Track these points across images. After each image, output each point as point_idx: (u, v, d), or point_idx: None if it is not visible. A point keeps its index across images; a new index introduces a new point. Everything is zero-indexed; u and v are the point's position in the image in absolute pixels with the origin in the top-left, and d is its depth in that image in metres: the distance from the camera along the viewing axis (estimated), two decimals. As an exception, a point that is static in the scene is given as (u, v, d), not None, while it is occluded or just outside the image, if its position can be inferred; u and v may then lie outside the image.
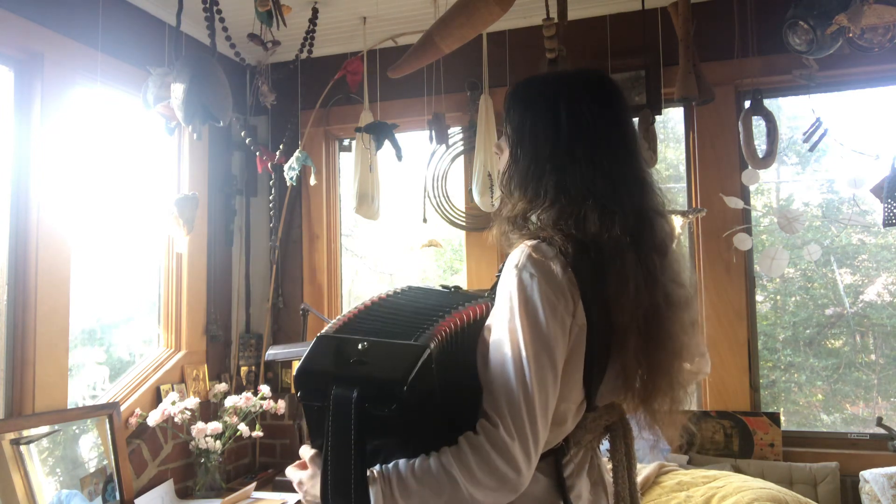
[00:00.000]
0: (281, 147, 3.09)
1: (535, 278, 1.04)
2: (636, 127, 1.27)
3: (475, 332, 1.15)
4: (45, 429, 2.17)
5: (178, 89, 2.15)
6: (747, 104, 2.56)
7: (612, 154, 1.16)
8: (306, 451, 1.13)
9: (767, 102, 2.56)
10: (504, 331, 1.05)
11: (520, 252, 1.08)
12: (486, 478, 0.99)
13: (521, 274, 1.05)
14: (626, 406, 1.24)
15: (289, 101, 3.20)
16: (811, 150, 2.52)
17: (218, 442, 2.69)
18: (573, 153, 1.15)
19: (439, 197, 3.02)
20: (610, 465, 1.26)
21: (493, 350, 1.06)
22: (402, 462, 1.02)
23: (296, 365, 3.32)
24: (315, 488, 1.06)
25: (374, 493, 0.99)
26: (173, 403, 2.57)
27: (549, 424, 1.05)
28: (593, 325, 1.09)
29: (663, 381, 1.16)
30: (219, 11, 2.49)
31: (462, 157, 3.02)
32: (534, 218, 1.15)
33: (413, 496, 1.00)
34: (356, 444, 0.98)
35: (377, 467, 1.03)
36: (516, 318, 1.04)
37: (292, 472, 1.15)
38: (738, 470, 2.41)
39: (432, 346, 1.03)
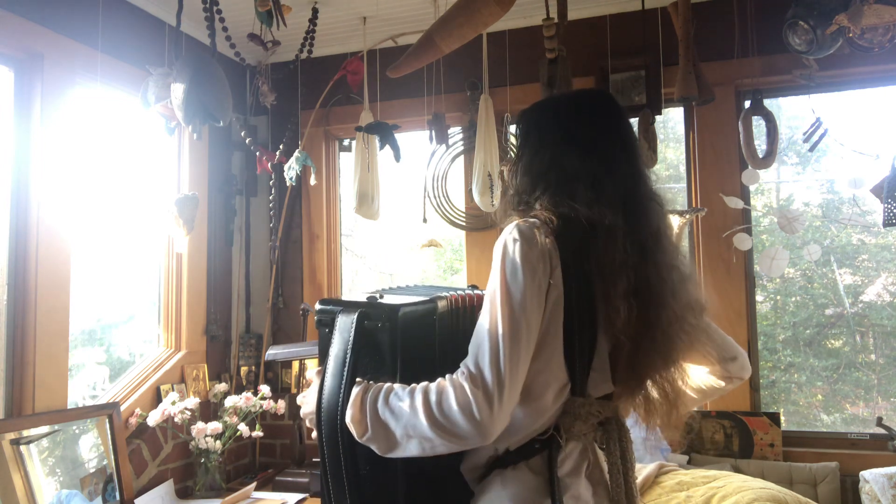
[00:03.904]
0: (281, 147, 3.09)
1: (517, 242, 1.11)
2: (636, 131, 1.36)
3: (473, 317, 1.21)
4: (45, 429, 2.17)
5: (178, 89, 2.14)
6: (747, 104, 2.56)
7: (609, 144, 1.25)
8: (312, 372, 1.23)
9: (767, 102, 2.56)
10: (488, 291, 1.12)
11: (511, 224, 1.16)
12: (444, 419, 1.03)
13: (506, 239, 1.13)
14: (623, 402, 1.24)
15: (289, 101, 3.20)
16: (811, 150, 2.52)
17: (218, 442, 2.69)
18: (572, 138, 1.25)
19: (439, 197, 3.02)
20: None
21: (481, 312, 1.13)
22: (389, 382, 1.12)
23: (296, 364, 3.30)
24: (313, 395, 1.17)
25: (354, 392, 1.09)
26: (173, 403, 2.57)
27: (520, 384, 1.08)
28: (573, 294, 1.14)
29: (657, 369, 1.17)
30: (219, 11, 2.49)
31: (462, 157, 3.02)
32: (537, 205, 1.22)
33: (381, 407, 1.07)
34: (351, 353, 1.11)
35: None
36: (497, 277, 1.11)
37: (300, 396, 1.25)
38: (738, 470, 2.41)
39: (439, 304, 1.18)
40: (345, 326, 1.13)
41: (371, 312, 1.13)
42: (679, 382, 1.22)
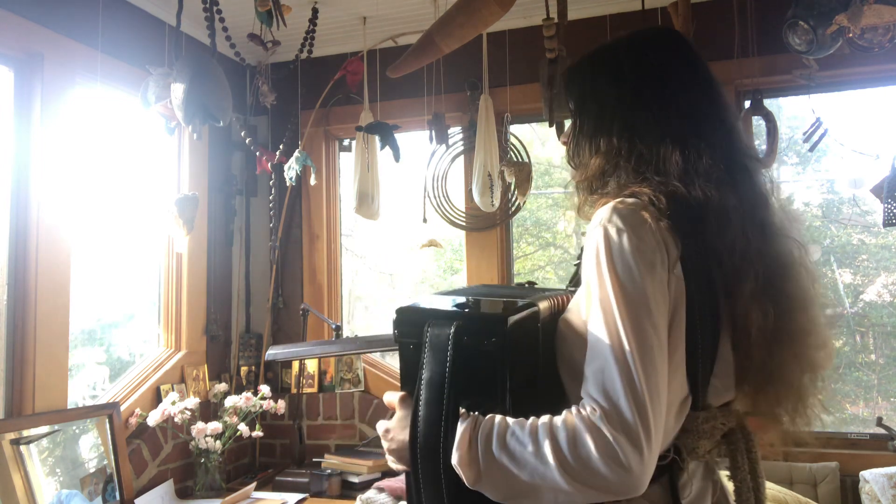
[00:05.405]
0: (281, 147, 3.09)
1: (623, 232, 0.90)
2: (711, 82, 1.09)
3: (555, 322, 1.05)
4: (45, 429, 2.17)
5: (178, 89, 2.14)
6: (747, 104, 2.56)
7: (686, 93, 1.04)
8: (394, 395, 1.02)
9: (767, 102, 2.56)
10: (595, 299, 0.91)
11: (604, 208, 0.94)
12: (584, 470, 0.83)
13: (607, 228, 0.91)
14: (741, 405, 1.06)
15: (289, 101, 3.20)
16: (811, 150, 2.52)
17: (218, 442, 2.69)
18: (640, 94, 1.04)
19: (439, 197, 3.02)
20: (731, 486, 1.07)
21: (589, 325, 0.92)
22: (500, 415, 0.91)
23: (296, 364, 3.28)
24: (402, 432, 0.97)
25: (460, 429, 0.89)
26: (173, 403, 2.57)
27: (665, 409, 0.88)
28: (694, 289, 0.93)
29: (786, 362, 0.99)
30: (219, 11, 2.49)
31: (462, 157, 3.02)
32: (612, 182, 1.03)
33: (497, 450, 0.88)
34: (451, 377, 0.91)
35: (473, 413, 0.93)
36: (606, 280, 0.89)
37: (380, 423, 1.03)
38: (738, 470, 2.41)
39: (541, 305, 0.97)
40: (439, 343, 0.92)
41: (470, 325, 0.92)
42: (818, 383, 1.04)
